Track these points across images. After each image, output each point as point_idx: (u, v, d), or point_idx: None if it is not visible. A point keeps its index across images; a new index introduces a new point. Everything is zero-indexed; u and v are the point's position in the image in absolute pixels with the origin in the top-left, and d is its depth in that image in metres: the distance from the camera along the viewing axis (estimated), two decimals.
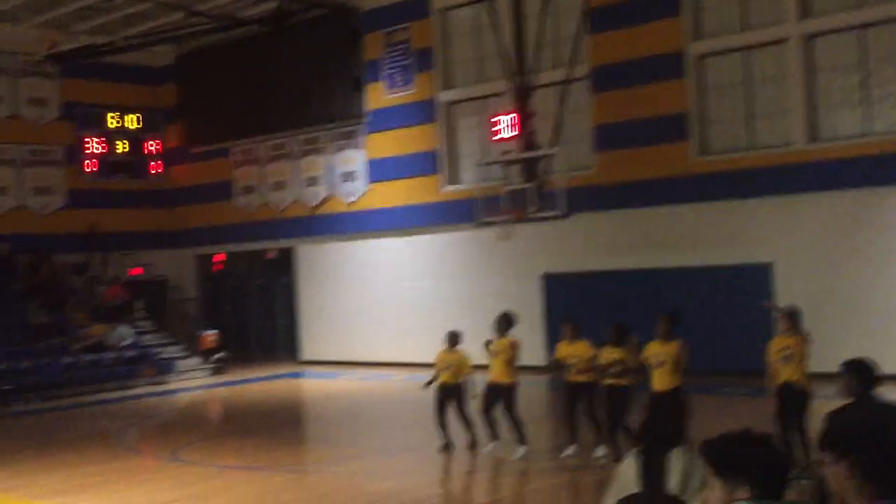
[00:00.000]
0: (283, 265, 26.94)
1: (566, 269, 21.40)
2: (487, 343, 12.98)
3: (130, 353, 23.69)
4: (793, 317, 10.96)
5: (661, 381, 11.42)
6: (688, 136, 19.81)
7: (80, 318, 24.13)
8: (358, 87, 24.66)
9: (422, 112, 23.69)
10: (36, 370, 21.88)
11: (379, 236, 24.58)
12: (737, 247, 19.19)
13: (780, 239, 18.71)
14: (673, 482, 5.04)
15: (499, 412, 12.83)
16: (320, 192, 25.82)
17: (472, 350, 13.42)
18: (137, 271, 27.69)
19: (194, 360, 24.92)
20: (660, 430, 5.42)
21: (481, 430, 13.01)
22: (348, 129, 25.14)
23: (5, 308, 23.45)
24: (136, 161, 28.27)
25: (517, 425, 12.63)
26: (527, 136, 19.64)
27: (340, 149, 25.42)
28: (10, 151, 25.82)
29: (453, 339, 13.43)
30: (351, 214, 25.13)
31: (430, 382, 13.47)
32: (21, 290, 24.39)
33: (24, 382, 21.37)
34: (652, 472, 5.12)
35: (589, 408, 12.24)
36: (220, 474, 12.73)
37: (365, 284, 24.99)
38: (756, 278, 18.81)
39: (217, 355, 25.13)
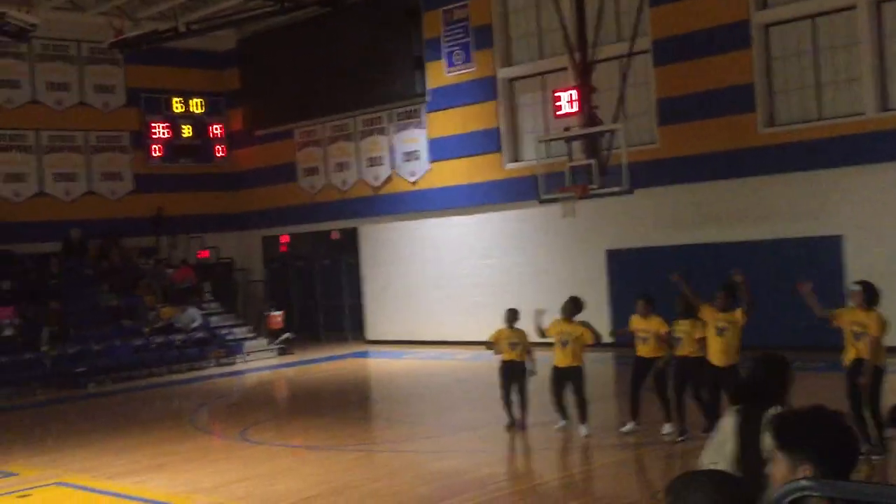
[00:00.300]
0: (348, 245, 27.09)
1: (631, 245, 21.18)
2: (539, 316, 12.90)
3: (199, 335, 24.05)
4: (868, 292, 10.50)
5: (723, 353, 11.34)
6: (754, 108, 19.42)
7: (150, 300, 24.54)
8: (418, 65, 24.61)
9: (482, 89, 23.57)
10: (108, 352, 22.33)
11: (442, 215, 24.58)
12: (806, 219, 18.80)
13: (850, 211, 18.29)
14: (768, 439, 5.10)
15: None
16: (383, 171, 25.88)
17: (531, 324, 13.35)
18: (205, 254, 28.05)
19: (261, 341, 25.21)
20: (758, 388, 5.49)
21: (532, 411, 12.99)
22: (409, 108, 25.12)
23: (77, 292, 23.96)
24: (201, 145, 28.60)
25: (584, 405, 12.58)
26: (588, 111, 19.42)
27: (402, 128, 25.43)
28: (78, 138, 26.31)
29: (514, 316, 13.39)
30: (414, 193, 25.15)
31: (494, 350, 13.45)
32: (92, 274, 24.88)
33: (97, 364, 21.84)
34: (748, 428, 5.20)
35: (657, 383, 12.18)
36: (288, 454, 12.86)
37: (429, 263, 25.03)
38: (826, 251, 18.43)
39: (283, 336, 25.40)
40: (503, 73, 23.35)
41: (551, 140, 20.61)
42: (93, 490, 11.35)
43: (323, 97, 26.32)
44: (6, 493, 11.39)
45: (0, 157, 24.98)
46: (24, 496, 11.21)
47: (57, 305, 22.50)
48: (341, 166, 26.84)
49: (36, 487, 11.64)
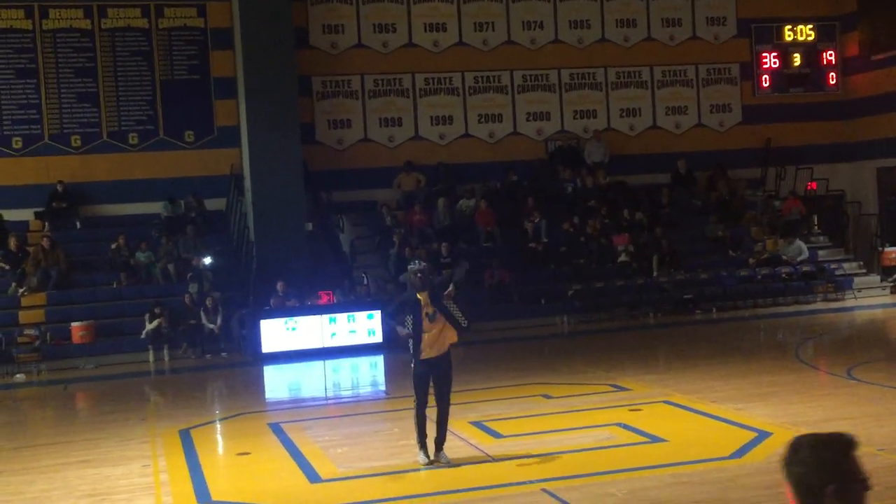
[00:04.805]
0: None
1: None
2: None
3: (806, 268, 23.51)
4: None
5: None
6: None
7: (756, 232, 24.53)
8: None
9: None
10: (714, 281, 22.84)
11: None
12: None
13: None
14: None
15: None
16: None
17: None
18: (813, 185, 27.23)
19: (873, 278, 23.96)
20: None
21: None
22: None
23: (686, 222, 24.73)
24: (811, 73, 27.65)
25: None
26: None
27: None
28: (689, 72, 26.90)
29: None
30: None
31: None
32: (700, 205, 25.44)
33: (704, 292, 22.49)
34: None
35: None
36: None
37: None
38: None
39: None
40: None
41: None
42: (696, 412, 11.74)
43: None
44: (620, 406, 12.29)
45: (618, 93, 26.41)
46: (635, 410, 11.98)
47: (663, 234, 23.39)
48: None
49: (645, 403, 12.36)
